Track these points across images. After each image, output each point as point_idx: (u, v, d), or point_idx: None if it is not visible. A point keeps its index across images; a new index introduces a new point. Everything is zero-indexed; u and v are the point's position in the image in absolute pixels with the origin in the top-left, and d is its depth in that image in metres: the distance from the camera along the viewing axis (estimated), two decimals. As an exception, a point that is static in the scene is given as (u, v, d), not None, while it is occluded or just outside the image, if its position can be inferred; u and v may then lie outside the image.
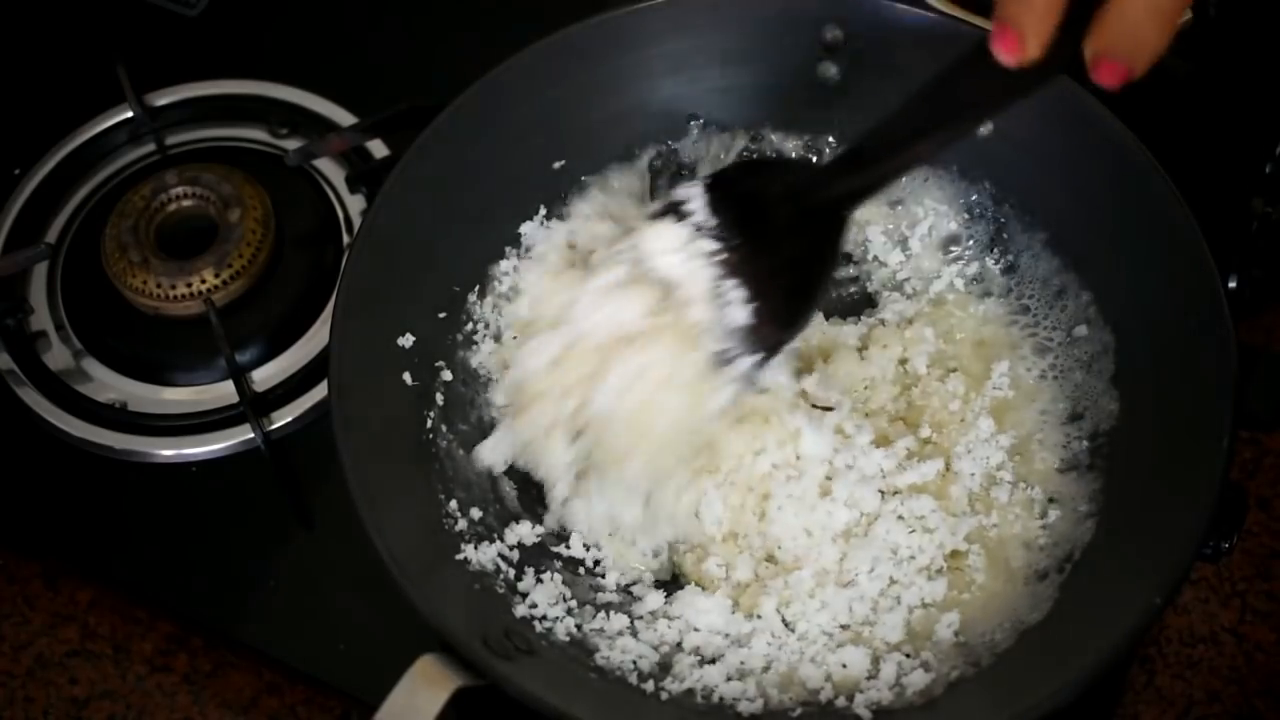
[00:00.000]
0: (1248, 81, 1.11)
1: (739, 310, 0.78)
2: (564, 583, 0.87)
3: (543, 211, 0.99)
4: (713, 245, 0.78)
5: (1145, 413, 0.86)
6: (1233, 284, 0.93)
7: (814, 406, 0.91)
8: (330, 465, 0.80)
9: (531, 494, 0.91)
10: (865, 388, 0.94)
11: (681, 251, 0.79)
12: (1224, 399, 0.79)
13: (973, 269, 0.98)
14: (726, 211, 0.79)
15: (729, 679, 0.82)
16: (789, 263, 0.79)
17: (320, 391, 0.99)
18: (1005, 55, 0.65)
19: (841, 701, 0.80)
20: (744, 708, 0.80)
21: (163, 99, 1.17)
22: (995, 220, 0.98)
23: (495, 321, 0.96)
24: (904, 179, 0.99)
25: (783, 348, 0.82)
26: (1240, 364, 0.80)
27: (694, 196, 0.79)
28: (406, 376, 0.90)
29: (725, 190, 0.80)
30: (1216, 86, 1.11)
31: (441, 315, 0.94)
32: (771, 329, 0.79)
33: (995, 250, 0.98)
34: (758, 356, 0.80)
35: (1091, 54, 0.64)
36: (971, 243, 0.99)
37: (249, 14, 1.23)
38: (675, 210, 0.80)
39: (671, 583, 0.89)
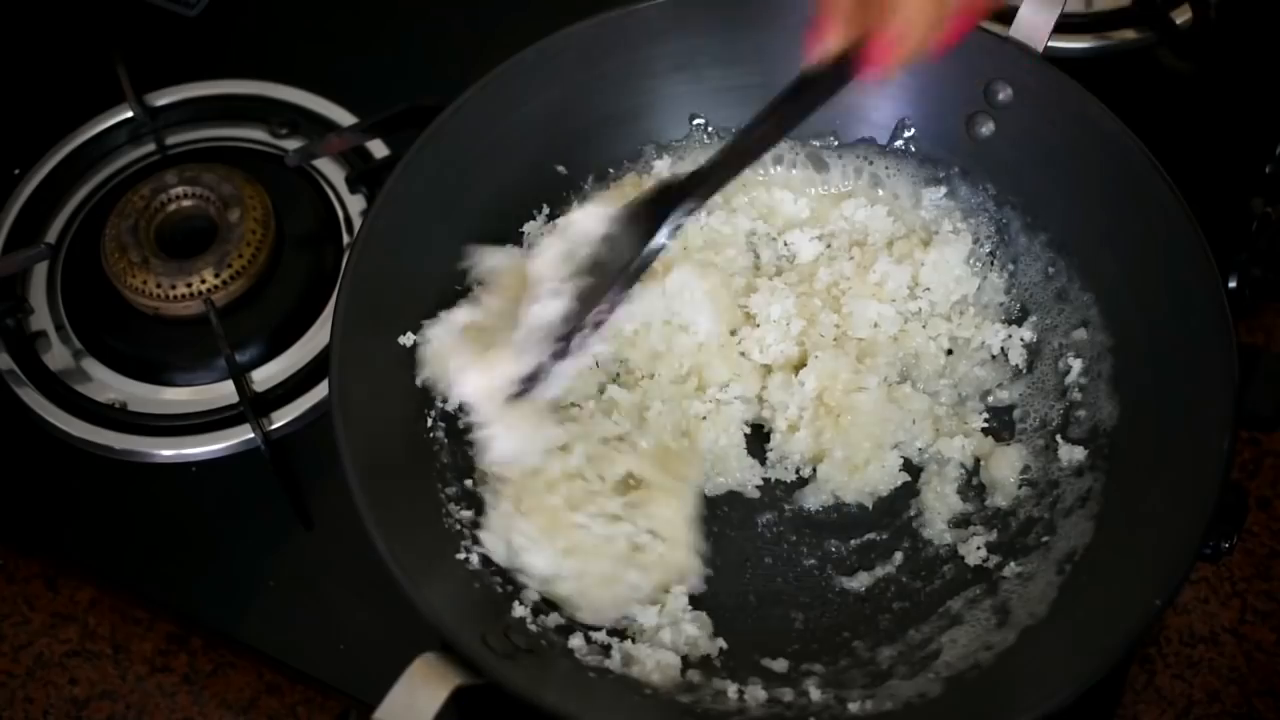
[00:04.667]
0: (1248, 81, 1.11)
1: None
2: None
3: (545, 211, 0.99)
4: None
5: (1145, 413, 0.87)
6: (1233, 284, 0.93)
7: None
8: (330, 465, 0.81)
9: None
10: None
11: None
12: (1224, 399, 0.79)
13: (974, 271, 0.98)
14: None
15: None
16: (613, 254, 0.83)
17: (320, 391, 0.99)
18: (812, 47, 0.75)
19: (838, 704, 0.80)
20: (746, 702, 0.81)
21: (163, 99, 1.17)
22: (996, 222, 0.98)
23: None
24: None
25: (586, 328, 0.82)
26: (1240, 364, 0.80)
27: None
28: (407, 376, 0.90)
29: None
30: (1216, 86, 1.11)
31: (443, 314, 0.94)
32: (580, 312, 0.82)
33: (996, 252, 0.98)
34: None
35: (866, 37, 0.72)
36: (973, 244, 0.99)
37: (249, 14, 1.23)
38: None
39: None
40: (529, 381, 0.81)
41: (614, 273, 0.81)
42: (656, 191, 0.83)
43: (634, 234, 0.81)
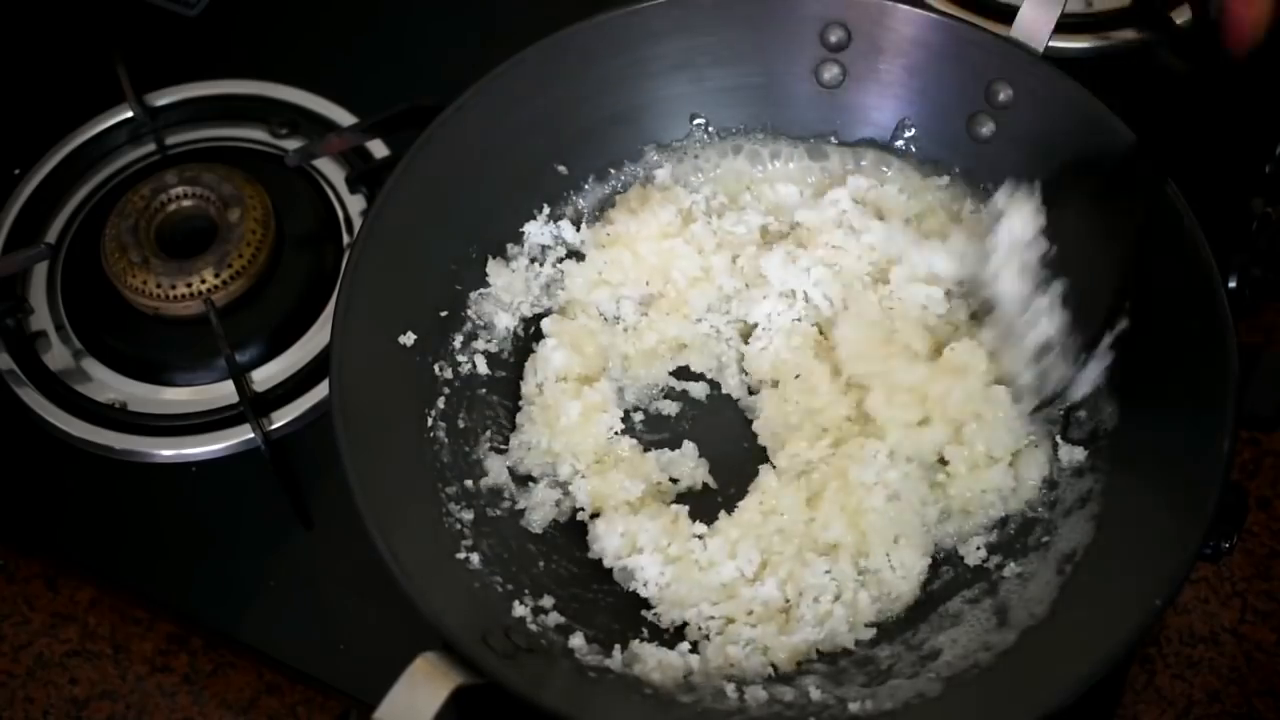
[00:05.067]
0: (1248, 81, 1.10)
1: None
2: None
3: (546, 211, 0.99)
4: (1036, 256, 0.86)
5: (1145, 413, 0.86)
6: (1233, 284, 0.93)
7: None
8: (330, 465, 0.81)
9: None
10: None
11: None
12: (1224, 399, 0.79)
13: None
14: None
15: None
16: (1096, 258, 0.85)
17: (320, 391, 0.99)
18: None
19: (838, 704, 0.80)
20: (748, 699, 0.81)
21: (163, 99, 1.17)
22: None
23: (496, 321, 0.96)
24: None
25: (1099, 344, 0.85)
26: (1240, 364, 0.80)
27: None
28: (407, 376, 0.90)
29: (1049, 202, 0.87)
30: (1216, 86, 1.11)
31: (443, 314, 0.94)
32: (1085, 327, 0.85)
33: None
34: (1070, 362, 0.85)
35: None
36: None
37: (249, 14, 1.23)
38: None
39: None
40: (1050, 400, 0.86)
41: (1114, 287, 0.84)
42: (1094, 180, 0.85)
43: (1106, 238, 0.84)
